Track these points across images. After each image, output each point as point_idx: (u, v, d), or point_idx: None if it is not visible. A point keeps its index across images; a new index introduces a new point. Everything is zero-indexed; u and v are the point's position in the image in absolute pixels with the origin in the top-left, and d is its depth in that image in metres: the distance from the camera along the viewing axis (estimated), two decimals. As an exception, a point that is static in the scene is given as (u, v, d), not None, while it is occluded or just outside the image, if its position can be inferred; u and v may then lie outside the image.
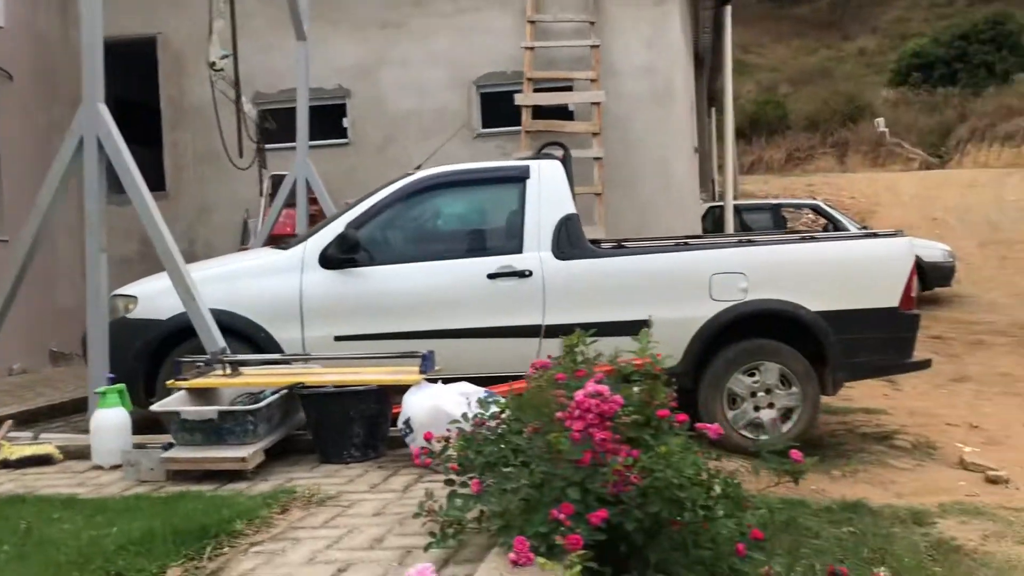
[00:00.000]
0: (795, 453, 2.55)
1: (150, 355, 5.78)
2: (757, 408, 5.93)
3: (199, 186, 9.91)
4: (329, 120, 9.94)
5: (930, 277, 14.81)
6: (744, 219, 17.10)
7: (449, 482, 2.81)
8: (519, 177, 6.05)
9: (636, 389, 2.79)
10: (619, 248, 6.12)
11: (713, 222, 15.81)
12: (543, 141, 9.27)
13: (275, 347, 5.79)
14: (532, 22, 9.36)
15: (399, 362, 4.54)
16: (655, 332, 5.91)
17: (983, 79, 37.44)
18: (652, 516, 2.41)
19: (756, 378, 5.91)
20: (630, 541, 2.50)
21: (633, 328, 6.00)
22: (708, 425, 2.56)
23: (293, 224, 8.50)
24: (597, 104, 9.14)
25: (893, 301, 5.91)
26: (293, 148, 9.72)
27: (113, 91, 11.15)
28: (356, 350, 5.76)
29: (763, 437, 5.90)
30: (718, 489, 2.44)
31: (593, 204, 8.97)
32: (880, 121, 40.43)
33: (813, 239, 6.18)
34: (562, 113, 9.60)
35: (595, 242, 6.28)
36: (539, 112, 9.55)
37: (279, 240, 7.49)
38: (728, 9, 13.10)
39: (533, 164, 6.11)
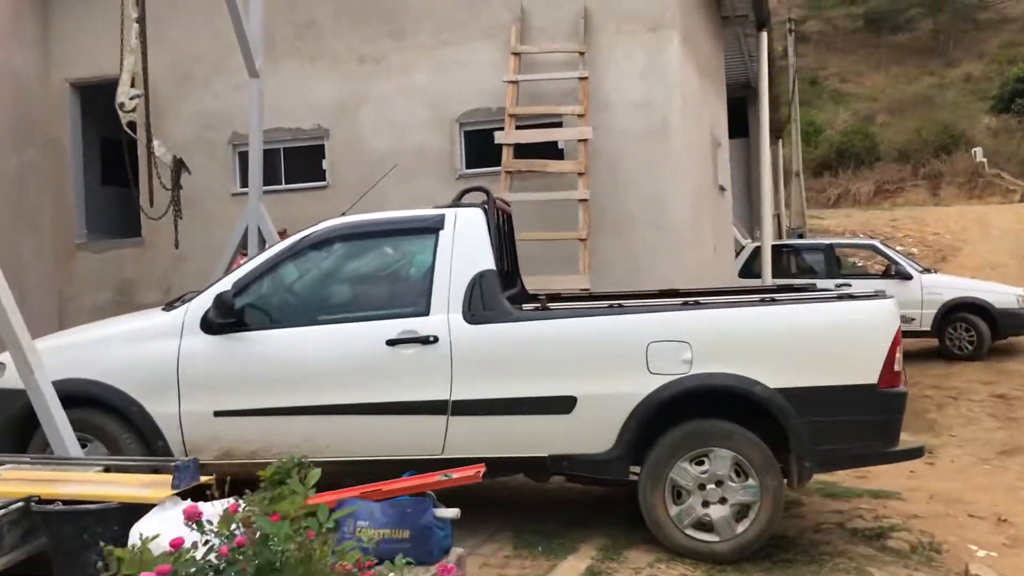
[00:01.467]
0: None
1: (16, 430, 5.18)
2: (706, 504, 4.95)
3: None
4: (309, 161, 9.36)
5: (1001, 325, 13.37)
6: (800, 260, 15.99)
7: None
8: (431, 228, 5.26)
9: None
10: (542, 310, 5.23)
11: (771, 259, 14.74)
12: (528, 181, 8.51)
13: (149, 423, 5.13)
14: (516, 54, 8.60)
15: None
16: (583, 411, 5.15)
17: (1092, 105, 35.02)
18: None
19: (705, 467, 4.93)
20: None
21: (555, 405, 5.23)
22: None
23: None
24: (584, 141, 8.30)
25: (871, 377, 4.88)
26: (269, 193, 9.20)
27: (102, 132, 10.98)
28: (239, 428, 5.06)
29: (714, 538, 4.94)
30: None
31: (578, 250, 8.11)
32: (978, 151, 38.28)
33: (773, 301, 5.18)
34: (552, 151, 8.78)
35: (518, 301, 5.44)
36: (526, 150, 8.77)
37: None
38: (764, 36, 12.11)
39: (448, 213, 5.31)
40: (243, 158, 9.44)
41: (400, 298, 5.28)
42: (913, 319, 13.72)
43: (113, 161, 9.81)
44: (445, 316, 5.05)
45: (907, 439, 9.03)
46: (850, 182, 42.57)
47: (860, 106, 52.24)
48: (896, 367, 4.93)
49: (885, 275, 14.46)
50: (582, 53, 8.47)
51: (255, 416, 5.06)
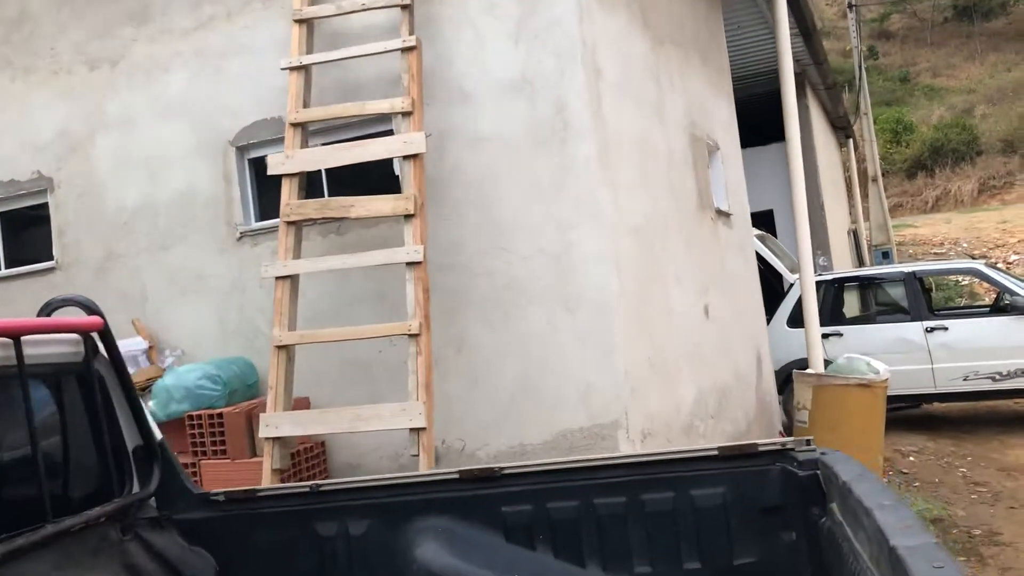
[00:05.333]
0: None
1: None
2: None
3: None
4: (36, 231, 6.00)
5: None
6: (878, 294, 11.97)
7: None
8: None
9: None
10: None
11: (833, 300, 10.81)
12: (349, 235, 4.97)
13: None
14: (302, 21, 5.05)
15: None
16: None
17: None
18: None
19: None
20: None
21: None
22: None
23: None
24: (413, 158, 4.68)
25: None
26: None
27: None
28: None
29: None
30: None
31: (408, 356, 4.47)
32: (1098, 132, 33.19)
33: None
34: (385, 178, 5.19)
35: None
36: (352, 182, 5.25)
37: None
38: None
39: None
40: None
41: None
42: (1044, 370, 9.58)
43: None
44: None
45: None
46: (949, 181, 37.85)
47: (957, 99, 47.81)
48: None
49: (995, 308, 10.32)
50: (405, 6, 4.87)
51: None
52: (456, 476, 2.96)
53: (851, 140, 19.50)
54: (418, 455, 4.27)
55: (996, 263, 18.02)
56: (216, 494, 3.09)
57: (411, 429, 4.30)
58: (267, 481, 4.43)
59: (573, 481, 2.87)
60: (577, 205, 4.71)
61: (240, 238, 5.35)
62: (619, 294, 4.74)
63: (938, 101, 48.11)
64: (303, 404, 5.04)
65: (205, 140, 5.43)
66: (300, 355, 4.86)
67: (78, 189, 5.72)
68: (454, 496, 2.92)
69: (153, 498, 3.00)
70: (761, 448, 2.75)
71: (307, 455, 4.94)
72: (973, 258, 16.12)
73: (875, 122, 26.07)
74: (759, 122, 12.15)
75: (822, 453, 2.62)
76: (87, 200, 5.69)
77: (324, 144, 5.10)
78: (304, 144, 4.91)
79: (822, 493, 2.56)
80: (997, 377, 9.65)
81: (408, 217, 4.58)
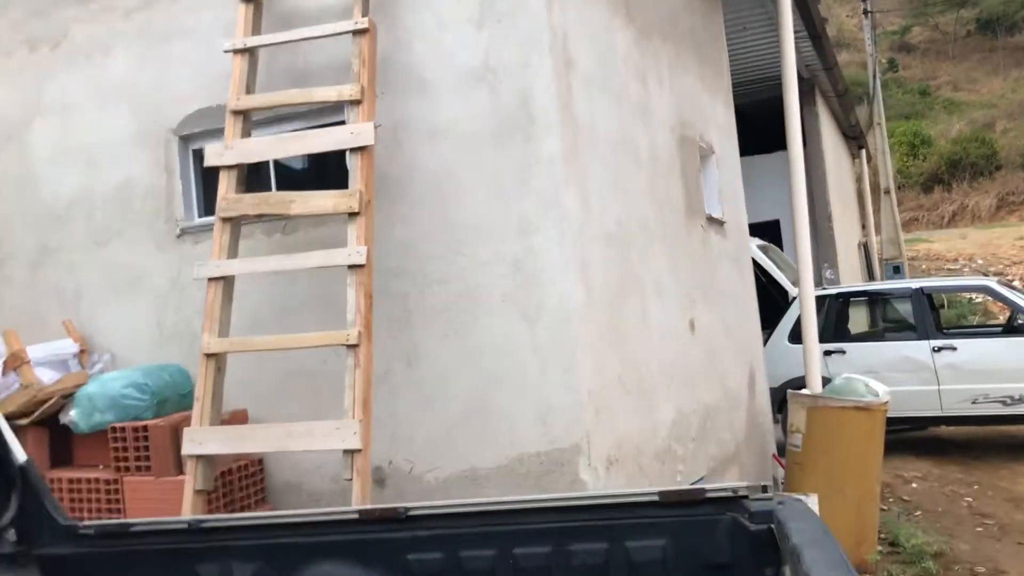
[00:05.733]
0: None
1: None
2: None
3: None
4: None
5: None
6: (885, 310, 11.50)
7: None
8: None
9: None
10: None
11: (836, 315, 10.34)
12: (297, 235, 4.56)
13: None
14: (249, 0, 4.65)
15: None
16: None
17: None
18: None
19: None
20: None
21: None
22: None
23: None
24: (361, 151, 4.26)
25: None
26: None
27: None
28: None
29: None
30: None
31: (344, 376, 4.04)
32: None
33: None
34: (335, 173, 4.77)
35: None
36: (302, 175, 4.84)
37: None
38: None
39: None
40: None
41: None
42: (1060, 397, 9.04)
43: None
44: None
45: None
46: (967, 196, 37.19)
47: (977, 114, 47.13)
48: None
49: (1008, 328, 9.81)
50: (358, -15, 4.46)
51: None
52: (356, 516, 2.52)
53: (864, 151, 18.98)
54: (352, 479, 3.84)
55: (1012, 280, 17.44)
56: (86, 527, 2.67)
57: (344, 450, 3.86)
58: (188, 503, 4.01)
59: (491, 526, 2.43)
60: (540, 206, 4.28)
61: (180, 235, 4.94)
62: (585, 305, 4.30)
63: (958, 115, 47.43)
64: (241, 417, 4.63)
65: (147, 128, 5.02)
66: (240, 364, 4.45)
67: (13, 179, 5.32)
68: (353, 539, 2.49)
69: (12, 530, 2.60)
70: (709, 495, 2.30)
71: (241, 473, 4.51)
72: (987, 275, 15.60)
73: (892, 135, 25.47)
74: (767, 129, 11.70)
75: (779, 503, 2.18)
76: (22, 191, 5.29)
77: (273, 135, 4.69)
78: (247, 134, 4.50)
79: (777, 551, 2.12)
80: (1009, 401, 9.14)
81: (352, 215, 4.15)
